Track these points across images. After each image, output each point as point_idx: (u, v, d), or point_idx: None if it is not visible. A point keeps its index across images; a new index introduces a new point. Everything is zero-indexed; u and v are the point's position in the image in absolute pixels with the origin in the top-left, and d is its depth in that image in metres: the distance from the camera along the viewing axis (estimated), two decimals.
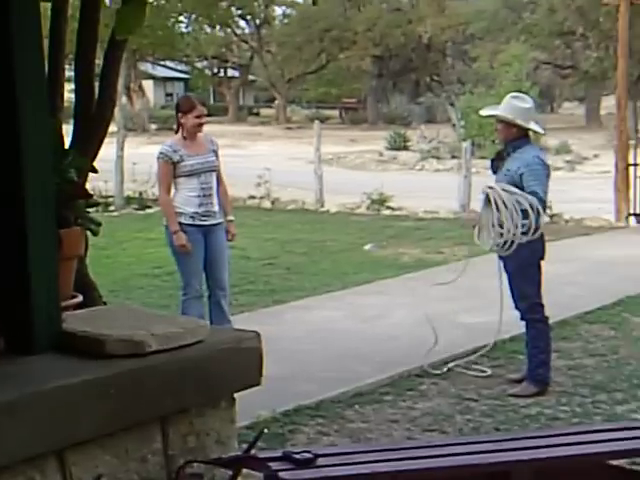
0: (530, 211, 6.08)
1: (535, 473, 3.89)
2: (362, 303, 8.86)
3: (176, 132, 6.92)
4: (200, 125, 6.78)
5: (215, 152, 6.88)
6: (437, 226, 14.51)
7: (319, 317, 8.27)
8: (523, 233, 6.11)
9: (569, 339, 7.52)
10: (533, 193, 6.09)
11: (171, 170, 6.69)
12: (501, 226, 6.12)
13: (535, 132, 6.54)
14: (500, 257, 6.39)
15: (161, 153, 6.75)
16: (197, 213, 6.70)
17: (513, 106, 6.33)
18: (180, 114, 6.78)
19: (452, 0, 47.17)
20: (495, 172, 6.46)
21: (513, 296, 6.41)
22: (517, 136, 6.31)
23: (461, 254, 11.77)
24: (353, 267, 10.94)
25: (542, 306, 6.38)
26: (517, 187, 6.15)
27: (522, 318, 6.42)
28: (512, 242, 6.14)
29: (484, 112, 6.99)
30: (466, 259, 6.72)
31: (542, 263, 6.37)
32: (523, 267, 6.29)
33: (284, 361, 6.52)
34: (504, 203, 6.08)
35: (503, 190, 6.11)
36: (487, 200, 6.17)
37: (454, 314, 8.25)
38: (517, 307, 6.43)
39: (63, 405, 2.08)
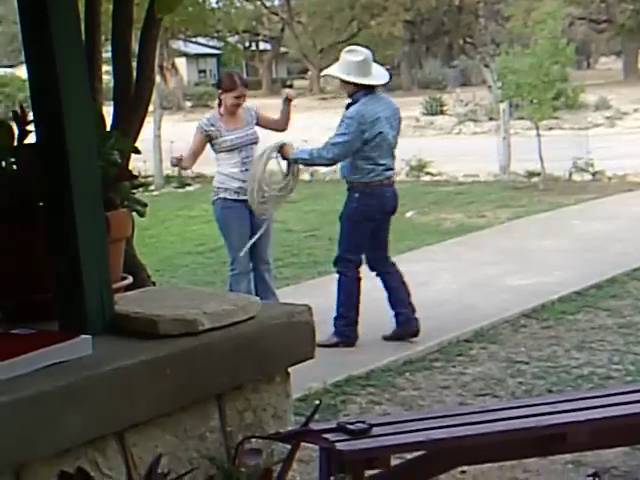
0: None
1: (591, 433, 3.87)
2: (407, 270, 8.75)
3: (219, 105, 6.98)
4: (238, 105, 6.83)
5: (257, 120, 6.95)
6: (478, 190, 14.42)
7: (364, 286, 8.19)
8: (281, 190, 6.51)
9: (618, 297, 7.46)
10: (326, 143, 6.31)
11: (203, 140, 6.82)
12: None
13: (367, 85, 6.37)
14: None
15: (198, 124, 6.93)
16: (242, 188, 6.72)
17: (347, 62, 6.36)
18: (220, 91, 6.85)
19: None
20: None
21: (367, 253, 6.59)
22: (356, 89, 6.35)
23: (504, 217, 11.71)
24: (396, 235, 10.82)
25: (351, 262, 6.49)
26: None
27: (379, 275, 6.60)
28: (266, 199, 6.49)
29: (323, 73, 7.11)
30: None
31: (370, 225, 6.45)
32: (345, 218, 6.49)
33: (332, 332, 6.52)
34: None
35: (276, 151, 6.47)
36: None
37: (500, 277, 8.21)
38: (370, 264, 6.60)
39: (121, 387, 2.09)
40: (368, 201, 6.38)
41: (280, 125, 7.11)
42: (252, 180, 6.46)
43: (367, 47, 6.76)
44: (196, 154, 6.92)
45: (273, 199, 6.57)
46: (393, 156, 6.56)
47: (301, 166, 6.81)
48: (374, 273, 6.64)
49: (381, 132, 6.29)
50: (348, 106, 6.42)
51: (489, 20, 47.17)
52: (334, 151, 6.26)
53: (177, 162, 6.83)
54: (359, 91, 6.32)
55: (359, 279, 6.52)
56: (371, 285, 6.58)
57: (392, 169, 6.58)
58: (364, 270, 6.59)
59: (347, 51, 6.47)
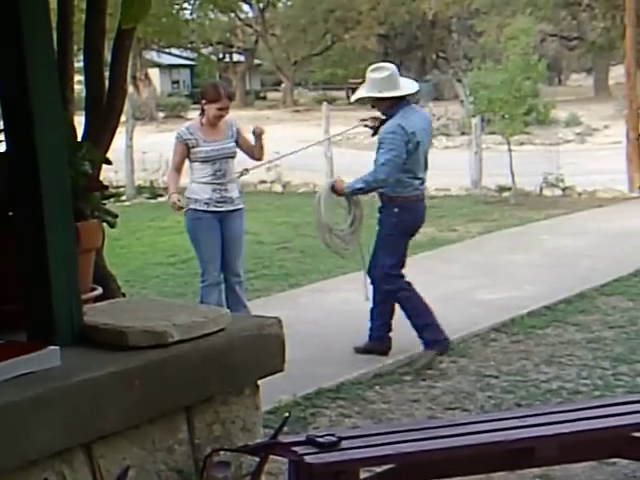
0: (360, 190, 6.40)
1: (559, 448, 3.89)
2: None
3: (200, 114, 6.95)
4: (221, 117, 6.81)
5: (236, 136, 6.90)
6: (449, 204, 14.47)
7: (335, 299, 8.26)
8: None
9: (587, 312, 7.50)
10: (375, 166, 6.22)
11: (184, 150, 6.79)
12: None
13: (399, 97, 6.36)
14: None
15: (177, 133, 6.89)
16: (211, 199, 6.72)
17: (375, 80, 6.35)
18: (204, 101, 6.80)
19: None
20: None
21: (371, 262, 6.52)
22: (390, 105, 6.33)
23: (475, 231, 11.76)
24: (368, 247, 10.91)
25: (396, 277, 6.43)
26: None
27: (373, 285, 6.53)
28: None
29: (353, 98, 6.91)
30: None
31: (406, 239, 6.46)
32: (385, 234, 6.42)
33: (302, 345, 6.50)
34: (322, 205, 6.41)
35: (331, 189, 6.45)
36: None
37: (471, 291, 8.24)
38: (370, 273, 6.52)
39: (89, 398, 2.08)
40: (405, 216, 6.35)
41: (255, 154, 7.08)
42: (320, 229, 6.46)
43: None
44: (179, 169, 6.92)
45: (349, 236, 6.57)
46: (427, 168, 6.52)
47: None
48: (369, 280, 6.62)
49: (419, 142, 6.28)
50: (382, 123, 6.38)
51: (462, 35, 47.47)
52: (386, 170, 6.19)
53: (178, 206, 6.80)
54: (394, 105, 6.30)
55: (409, 284, 6.46)
56: (356, 297, 6.59)
57: (425, 182, 6.55)
58: (356, 278, 6.60)
59: (373, 70, 6.44)
